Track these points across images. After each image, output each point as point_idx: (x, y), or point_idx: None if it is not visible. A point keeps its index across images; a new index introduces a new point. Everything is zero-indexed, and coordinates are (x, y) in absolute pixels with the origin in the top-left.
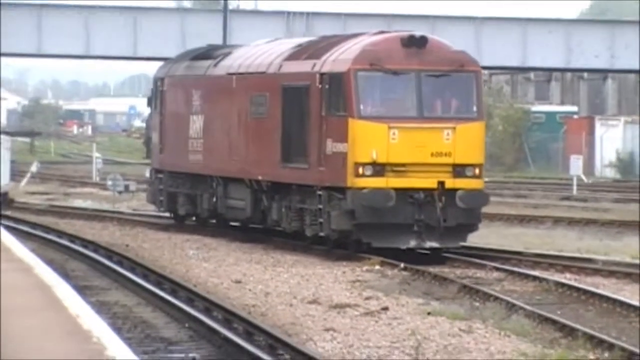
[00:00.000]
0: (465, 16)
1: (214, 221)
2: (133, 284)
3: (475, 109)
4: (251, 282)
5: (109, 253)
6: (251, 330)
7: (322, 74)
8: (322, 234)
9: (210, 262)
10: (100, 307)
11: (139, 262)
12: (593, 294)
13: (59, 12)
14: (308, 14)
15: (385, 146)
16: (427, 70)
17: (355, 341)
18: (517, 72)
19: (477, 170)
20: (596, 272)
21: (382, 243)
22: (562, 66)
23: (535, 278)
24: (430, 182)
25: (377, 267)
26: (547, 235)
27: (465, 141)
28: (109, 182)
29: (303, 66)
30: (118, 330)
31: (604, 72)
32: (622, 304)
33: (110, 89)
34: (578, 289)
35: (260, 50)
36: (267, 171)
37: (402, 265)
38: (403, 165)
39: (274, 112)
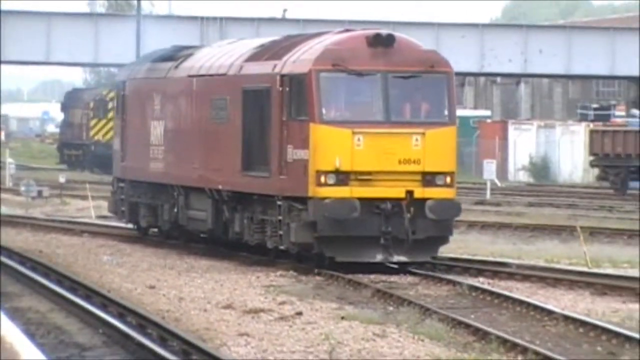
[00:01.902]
0: (378, 20)
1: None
2: (47, 289)
3: (446, 112)
4: (165, 288)
5: (23, 259)
6: (165, 335)
7: (282, 76)
8: (282, 247)
9: (124, 268)
10: (14, 313)
11: (53, 268)
12: (507, 298)
13: None
14: (222, 19)
15: (349, 153)
16: (394, 71)
17: (270, 346)
18: None
19: (448, 179)
20: (510, 276)
21: (347, 257)
22: (476, 70)
23: (449, 282)
24: (398, 192)
25: (291, 272)
26: (461, 239)
27: (435, 147)
28: (22, 188)
29: (264, 67)
30: (32, 336)
31: (517, 77)
32: (535, 307)
33: (24, 95)
34: (492, 293)
35: (222, 51)
36: (228, 180)
37: (315, 270)
38: (369, 173)
39: (234, 117)
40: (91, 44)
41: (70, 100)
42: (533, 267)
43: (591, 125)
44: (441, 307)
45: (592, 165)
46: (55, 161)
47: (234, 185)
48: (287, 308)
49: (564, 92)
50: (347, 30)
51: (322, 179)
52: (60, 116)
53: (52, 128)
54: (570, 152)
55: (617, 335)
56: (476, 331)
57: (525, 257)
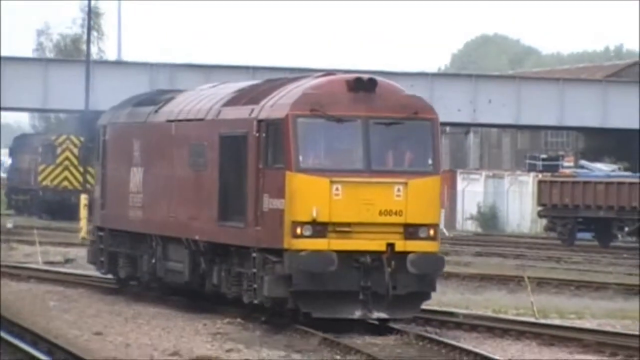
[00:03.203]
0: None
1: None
2: None
3: (430, 161)
4: (112, 334)
5: None
6: None
7: (259, 121)
8: (255, 301)
9: (71, 314)
10: None
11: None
12: (454, 348)
13: None
14: (172, 65)
15: (327, 203)
16: (376, 117)
17: None
18: None
19: (431, 231)
20: (457, 325)
21: (323, 313)
22: None
23: (396, 331)
24: (378, 245)
25: (238, 319)
26: None
27: (418, 198)
28: None
29: (241, 112)
30: None
31: (466, 126)
32: (483, 358)
33: None
34: (439, 343)
35: (203, 95)
36: (205, 230)
37: (262, 318)
38: (347, 224)
39: (211, 164)
40: (40, 88)
41: (19, 145)
42: (481, 317)
43: (539, 175)
44: (388, 356)
45: (540, 215)
46: (3, 206)
47: (210, 236)
48: (234, 356)
49: (513, 142)
50: (328, 74)
51: (298, 230)
52: (8, 161)
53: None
54: (518, 202)
55: None
56: None
57: (473, 307)
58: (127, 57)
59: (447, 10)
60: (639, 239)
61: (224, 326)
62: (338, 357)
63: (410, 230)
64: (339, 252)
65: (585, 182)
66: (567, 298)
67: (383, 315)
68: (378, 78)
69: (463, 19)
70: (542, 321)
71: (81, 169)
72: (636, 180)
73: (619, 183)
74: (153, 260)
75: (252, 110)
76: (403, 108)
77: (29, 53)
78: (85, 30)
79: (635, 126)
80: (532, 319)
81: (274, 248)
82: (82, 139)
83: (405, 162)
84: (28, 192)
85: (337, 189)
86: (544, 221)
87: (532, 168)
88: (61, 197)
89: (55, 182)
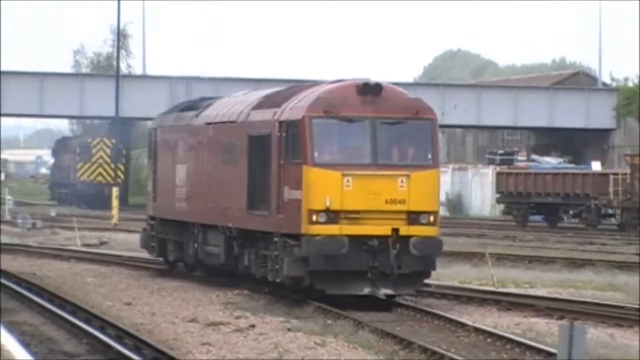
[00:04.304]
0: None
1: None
2: (39, 306)
3: (430, 156)
4: (140, 304)
5: (19, 280)
6: (139, 345)
7: (280, 122)
8: (277, 280)
9: (105, 288)
10: (11, 326)
11: (45, 288)
12: (427, 313)
13: None
14: (188, 78)
15: (339, 193)
16: (382, 117)
17: (228, 353)
18: None
19: (431, 218)
20: (430, 294)
21: (336, 290)
22: None
23: (378, 300)
24: (384, 230)
25: (246, 291)
26: None
27: (419, 188)
28: (19, 220)
29: (265, 115)
30: (27, 345)
31: None
32: (451, 321)
33: (20, 142)
34: (414, 309)
35: (236, 101)
36: (237, 218)
37: (266, 289)
38: (357, 212)
39: (241, 160)
40: (77, 99)
41: (60, 146)
42: (449, 287)
43: (497, 168)
44: (371, 320)
45: (498, 201)
46: (47, 198)
47: (241, 223)
48: (242, 321)
49: (475, 140)
50: (339, 81)
51: (314, 217)
52: (51, 160)
53: (44, 170)
54: (480, 191)
55: (519, 344)
56: (401, 341)
57: (443, 279)
58: (150, 71)
59: (418, 29)
60: (581, 221)
61: (234, 297)
62: (330, 321)
63: (413, 217)
64: (350, 237)
65: (536, 173)
66: (521, 270)
67: (389, 291)
68: (383, 83)
69: (432, 37)
70: (501, 290)
71: (112, 166)
72: (579, 171)
73: (565, 174)
74: (195, 245)
75: (275, 113)
76: (406, 109)
77: (66, 69)
78: (115, 49)
79: (577, 125)
80: (492, 288)
81: (292, 233)
82: (113, 140)
83: (408, 156)
84: (68, 186)
85: (348, 181)
86: (502, 206)
87: (491, 162)
88: (96, 190)
89: (91, 177)
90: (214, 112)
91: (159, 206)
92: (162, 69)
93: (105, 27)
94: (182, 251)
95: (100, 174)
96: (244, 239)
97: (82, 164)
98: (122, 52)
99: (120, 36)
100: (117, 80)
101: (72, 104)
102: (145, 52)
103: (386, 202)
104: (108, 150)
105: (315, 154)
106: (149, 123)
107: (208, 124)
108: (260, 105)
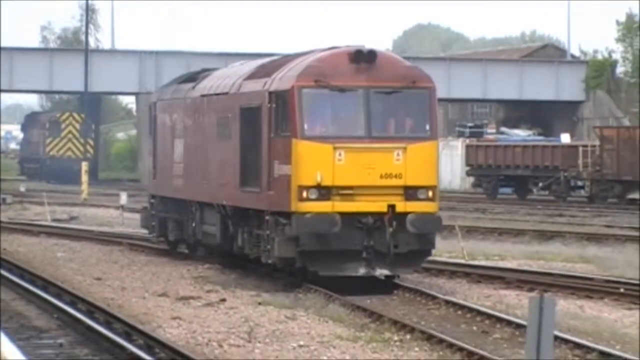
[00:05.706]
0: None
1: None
2: (10, 282)
3: (428, 127)
4: (110, 279)
5: None
6: (110, 319)
7: (270, 93)
8: (269, 261)
9: (75, 263)
10: None
11: (15, 263)
12: (397, 286)
13: None
14: (158, 52)
15: (330, 168)
16: (376, 86)
17: (198, 328)
18: None
19: (430, 193)
20: None
21: (329, 271)
22: None
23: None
24: (379, 206)
25: (217, 265)
26: None
27: (417, 162)
28: None
29: (256, 85)
30: None
31: None
32: (421, 293)
33: None
34: (385, 282)
35: (231, 72)
36: (230, 196)
37: (236, 264)
38: (350, 188)
39: (234, 134)
40: (46, 74)
41: (29, 122)
42: None
43: (467, 140)
44: (342, 294)
45: (468, 174)
46: (16, 173)
47: (234, 201)
48: (213, 295)
49: (445, 113)
50: (332, 48)
51: (304, 194)
52: (20, 135)
53: (13, 145)
54: (450, 163)
55: (490, 316)
56: (372, 314)
57: None
58: (119, 45)
59: (388, 2)
60: (550, 193)
61: (205, 271)
62: (300, 295)
63: (410, 192)
64: (343, 214)
65: (505, 146)
66: (491, 243)
67: (385, 272)
68: (378, 50)
69: (402, 10)
70: (471, 262)
71: (82, 141)
72: (548, 143)
73: (534, 146)
74: (193, 224)
75: (265, 83)
76: (402, 78)
77: (34, 44)
78: (84, 24)
79: (546, 98)
80: (463, 261)
81: (283, 211)
82: (82, 115)
83: (404, 128)
84: (37, 161)
85: (340, 155)
86: (472, 179)
87: (461, 134)
88: (66, 165)
89: (61, 152)
90: (210, 83)
91: (158, 183)
92: (132, 43)
93: (72, 3)
94: (182, 230)
95: (69, 149)
96: (238, 218)
97: (52, 139)
98: (91, 26)
99: (89, 10)
100: (86, 54)
101: (41, 79)
102: (114, 27)
103: (381, 176)
104: (77, 125)
105: (305, 126)
106: (124, 98)
107: (203, 96)
108: (253, 75)
